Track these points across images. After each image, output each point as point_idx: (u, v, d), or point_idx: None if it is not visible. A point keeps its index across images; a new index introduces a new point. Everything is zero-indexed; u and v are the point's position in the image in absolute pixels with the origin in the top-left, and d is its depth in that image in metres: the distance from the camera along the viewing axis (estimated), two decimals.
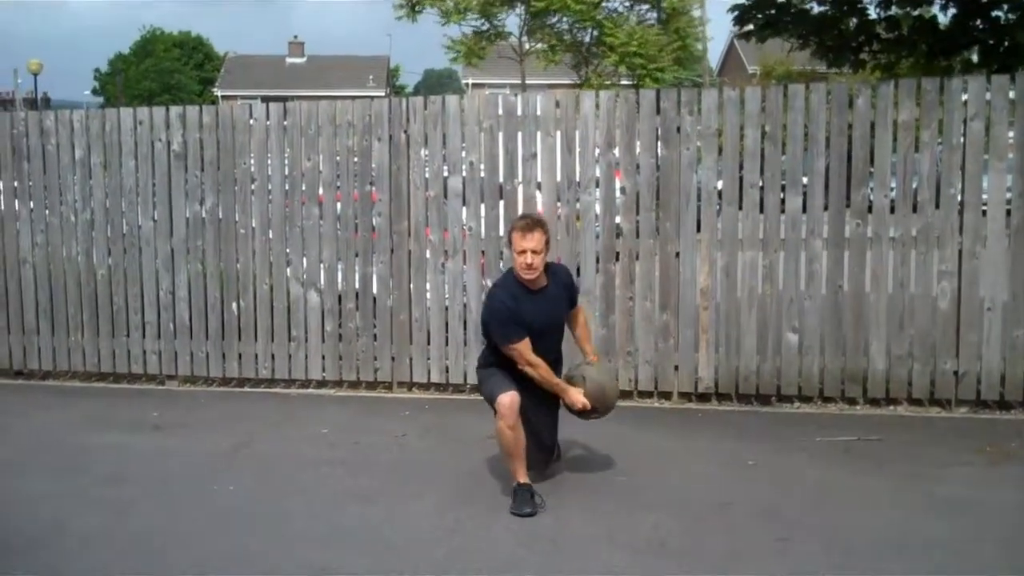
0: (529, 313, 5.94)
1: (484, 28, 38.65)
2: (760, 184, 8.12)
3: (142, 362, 9.27)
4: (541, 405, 6.12)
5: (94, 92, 64.93)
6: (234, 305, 9.05)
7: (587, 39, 38.01)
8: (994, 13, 9.27)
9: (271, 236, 8.95)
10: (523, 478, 5.89)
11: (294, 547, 5.37)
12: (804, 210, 8.09)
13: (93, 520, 5.79)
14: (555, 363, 6.19)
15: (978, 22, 9.44)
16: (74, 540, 5.51)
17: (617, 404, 6.42)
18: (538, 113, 8.43)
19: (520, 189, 8.44)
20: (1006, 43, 9.23)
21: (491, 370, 6.11)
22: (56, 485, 6.44)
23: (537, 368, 5.94)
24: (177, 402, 8.67)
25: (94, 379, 9.44)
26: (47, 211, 9.41)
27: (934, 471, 6.50)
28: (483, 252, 8.53)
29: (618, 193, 8.36)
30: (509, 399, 5.84)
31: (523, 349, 5.90)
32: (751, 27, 10.00)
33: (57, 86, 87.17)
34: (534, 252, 5.84)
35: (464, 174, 8.56)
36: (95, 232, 9.30)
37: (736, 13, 9.99)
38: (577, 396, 6.03)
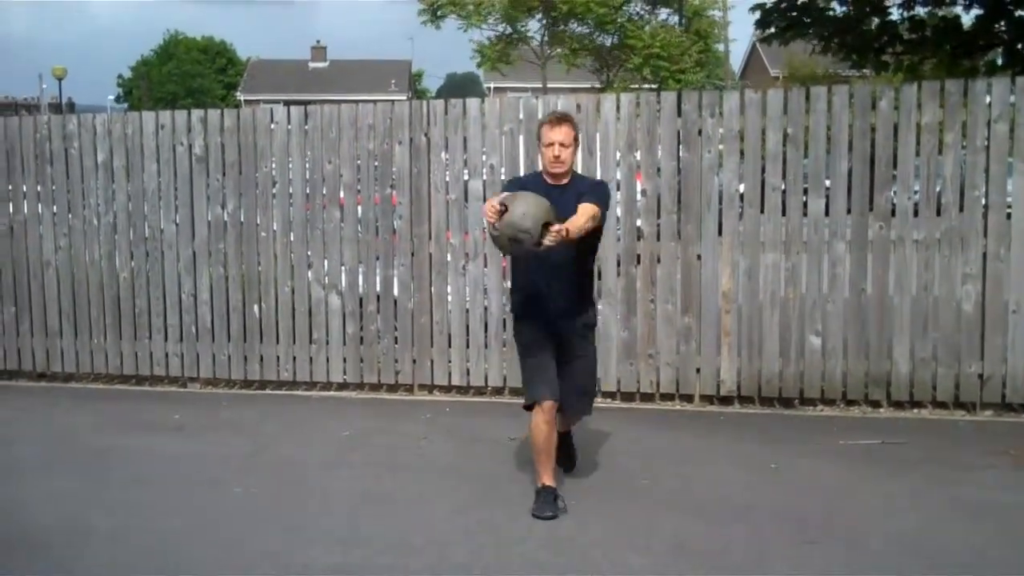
0: None
1: (507, 32, 38.72)
2: (782, 187, 8.09)
3: (164, 364, 9.30)
4: (574, 361, 5.96)
5: (117, 100, 65.27)
6: (255, 308, 9.07)
7: (609, 43, 38.00)
8: (1018, 13, 9.21)
9: (292, 239, 8.97)
10: (548, 480, 5.86)
11: (313, 548, 5.37)
12: (826, 213, 8.04)
13: (113, 520, 5.80)
14: (572, 277, 5.88)
15: (1002, 24, 9.39)
16: (94, 540, 5.52)
17: (531, 234, 5.31)
18: None
19: None
20: None
21: (523, 334, 5.94)
22: (77, 485, 6.47)
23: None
24: (198, 404, 8.69)
25: (116, 381, 9.47)
26: (70, 214, 9.45)
27: (958, 474, 6.45)
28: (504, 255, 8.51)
29: (639, 195, 8.34)
30: (550, 404, 5.79)
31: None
32: (773, 29, 9.96)
33: (82, 91, 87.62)
34: (562, 145, 5.75)
35: (484, 177, 8.55)
36: (117, 235, 9.33)
37: (758, 15, 9.96)
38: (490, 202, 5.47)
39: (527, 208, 5.32)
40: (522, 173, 7.89)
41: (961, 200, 7.84)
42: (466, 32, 38.13)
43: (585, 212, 5.59)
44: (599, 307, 6.63)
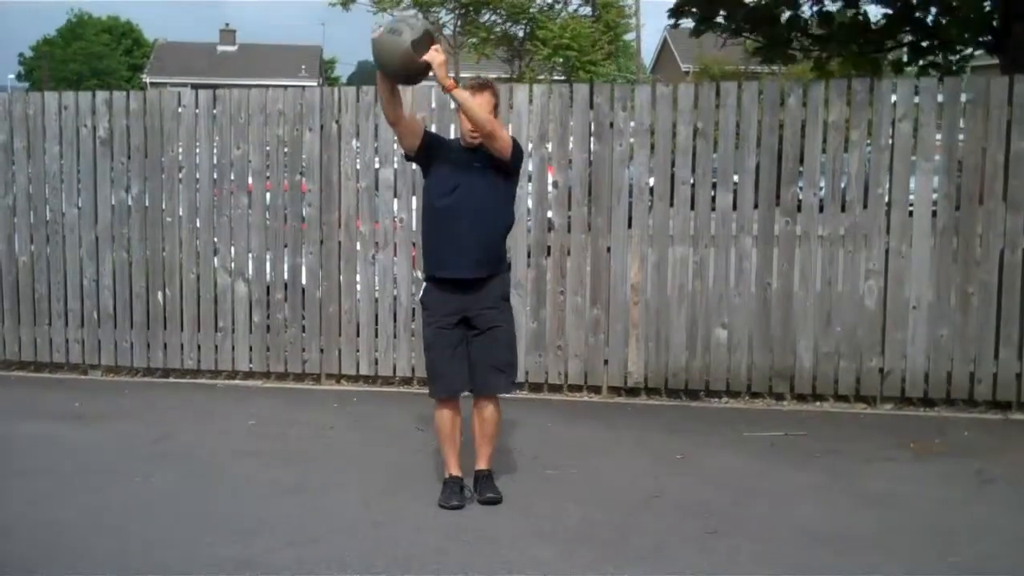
0: (449, 155, 5.81)
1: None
2: (692, 181, 8.16)
3: (64, 351, 9.08)
4: (486, 332, 5.77)
5: (19, 78, 63.66)
6: (160, 294, 8.91)
7: (520, 34, 38.04)
8: (920, 14, 9.43)
9: (199, 225, 8.82)
10: (454, 470, 5.85)
11: (217, 539, 5.28)
12: (734, 207, 8.13)
13: (12, 511, 5.66)
14: (486, 232, 5.75)
15: (907, 28, 9.60)
16: None
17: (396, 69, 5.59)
18: None
19: None
20: (935, 41, 9.39)
21: (431, 317, 5.79)
22: None
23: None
24: (100, 392, 8.52)
25: (14, 368, 9.23)
26: None
27: (858, 466, 6.57)
28: (414, 244, 8.45)
29: (550, 187, 8.35)
30: (447, 391, 5.81)
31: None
32: (685, 20, 10.04)
33: None
34: None
35: (395, 165, 8.49)
36: (17, 219, 9.10)
37: (671, 7, 10.01)
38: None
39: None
40: None
41: (865, 197, 7.98)
42: (376, 15, 37.82)
43: (481, 106, 5.61)
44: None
